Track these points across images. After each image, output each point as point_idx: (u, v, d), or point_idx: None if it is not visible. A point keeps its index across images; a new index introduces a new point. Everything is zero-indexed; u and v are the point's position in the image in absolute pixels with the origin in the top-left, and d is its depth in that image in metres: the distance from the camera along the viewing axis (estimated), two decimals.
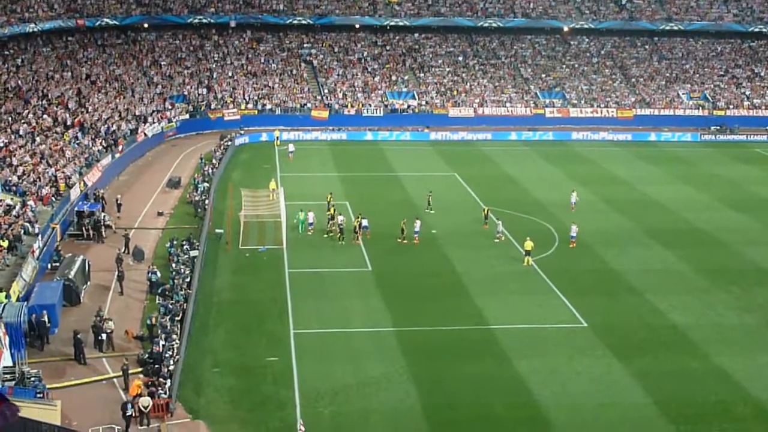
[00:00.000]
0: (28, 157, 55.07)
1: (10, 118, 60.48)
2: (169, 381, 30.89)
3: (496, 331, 37.38)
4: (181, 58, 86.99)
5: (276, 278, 43.28)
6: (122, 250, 45.79)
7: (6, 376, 29.93)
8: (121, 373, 31.93)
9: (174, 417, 29.61)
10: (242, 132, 76.78)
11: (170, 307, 36.96)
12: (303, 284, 42.48)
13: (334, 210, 51.25)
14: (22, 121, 61.27)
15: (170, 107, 78.12)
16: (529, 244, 46.20)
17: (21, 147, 56.35)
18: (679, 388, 32.90)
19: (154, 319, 35.94)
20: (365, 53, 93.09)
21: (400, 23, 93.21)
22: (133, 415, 28.95)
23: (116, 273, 41.69)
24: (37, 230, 44.62)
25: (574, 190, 58.63)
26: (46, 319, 34.81)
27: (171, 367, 31.85)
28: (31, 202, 47.72)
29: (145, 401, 29.17)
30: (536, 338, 36.91)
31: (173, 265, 42.31)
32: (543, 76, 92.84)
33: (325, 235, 49.96)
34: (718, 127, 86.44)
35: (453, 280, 43.69)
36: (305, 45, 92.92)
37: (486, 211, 53.01)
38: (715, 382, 33.38)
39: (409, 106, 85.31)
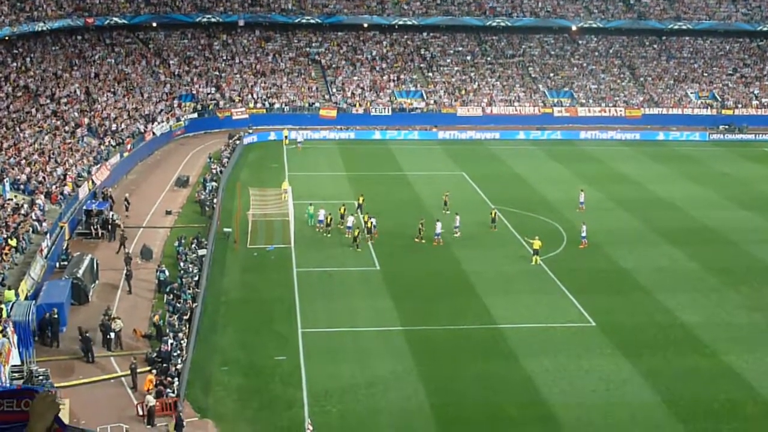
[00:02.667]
0: (37, 156, 55.20)
1: (18, 117, 60.64)
2: (177, 380, 30.92)
3: (505, 330, 37.30)
4: (190, 57, 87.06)
5: (284, 277, 43.27)
6: (127, 251, 45.37)
7: (14, 374, 30.02)
8: (129, 372, 31.98)
9: (182, 416, 29.58)
10: (250, 131, 76.81)
11: (178, 305, 37.01)
12: (311, 283, 42.48)
13: (345, 209, 51.15)
14: (31, 119, 61.45)
15: (178, 106, 78.22)
16: (537, 243, 46.08)
17: (29, 146, 56.48)
18: (688, 386, 32.79)
19: (157, 318, 36.00)
20: (373, 52, 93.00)
21: (409, 22, 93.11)
22: (142, 413, 29.00)
23: (124, 272, 41.72)
24: (45, 229, 44.70)
25: (582, 189, 58.31)
26: (57, 317, 34.89)
27: (179, 366, 31.88)
28: (39, 201, 47.82)
29: (150, 399, 29.18)
30: (544, 337, 36.82)
31: (181, 264, 42.38)
32: (551, 75, 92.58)
33: (327, 234, 49.78)
34: (727, 126, 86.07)
35: (461, 279, 43.61)
36: (314, 44, 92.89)
37: (494, 213, 52.54)
38: (724, 381, 33.24)
39: (416, 107, 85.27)
